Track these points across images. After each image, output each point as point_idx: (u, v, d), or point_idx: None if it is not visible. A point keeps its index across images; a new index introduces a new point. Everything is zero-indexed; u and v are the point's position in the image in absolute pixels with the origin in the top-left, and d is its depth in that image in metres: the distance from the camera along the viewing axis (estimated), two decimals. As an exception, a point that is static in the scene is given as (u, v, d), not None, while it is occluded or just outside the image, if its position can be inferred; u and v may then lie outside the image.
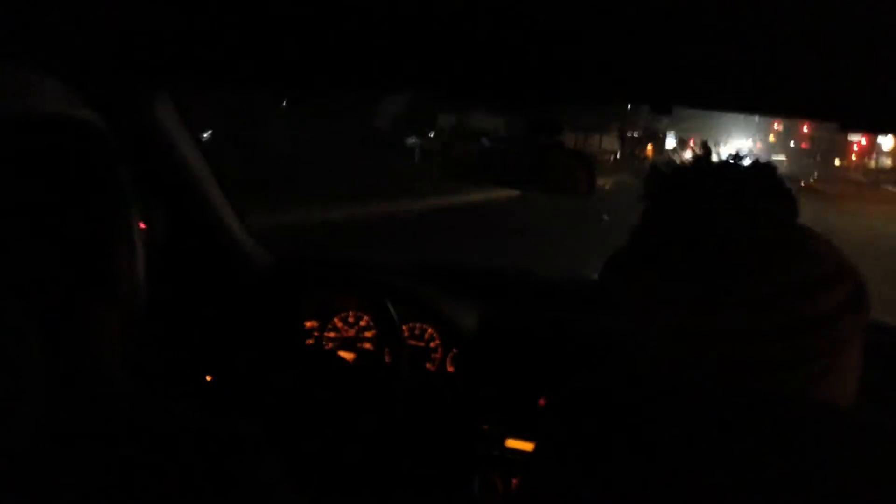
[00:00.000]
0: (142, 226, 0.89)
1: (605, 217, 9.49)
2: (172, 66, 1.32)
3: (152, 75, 1.52)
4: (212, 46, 1.07)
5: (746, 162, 0.76)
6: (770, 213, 0.72)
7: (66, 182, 0.78)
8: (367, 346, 1.99)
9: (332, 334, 2.03)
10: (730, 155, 0.77)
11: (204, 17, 0.89)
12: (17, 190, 0.75)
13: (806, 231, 0.74)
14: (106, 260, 0.80)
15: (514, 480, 1.76)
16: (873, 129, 1.20)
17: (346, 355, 1.98)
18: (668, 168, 0.77)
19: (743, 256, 0.69)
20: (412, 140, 18.58)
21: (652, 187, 0.77)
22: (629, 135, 32.89)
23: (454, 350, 1.93)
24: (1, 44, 1.20)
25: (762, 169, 0.75)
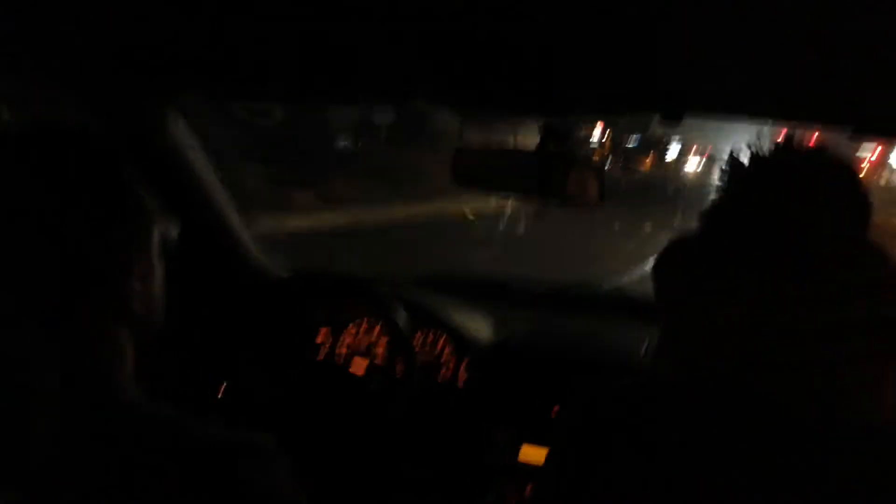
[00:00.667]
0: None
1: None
2: (179, 73, 1.32)
3: (160, 84, 1.53)
4: (218, 52, 1.08)
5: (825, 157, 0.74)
6: (845, 211, 0.71)
7: (72, 193, 0.78)
8: (379, 356, 1.99)
9: (342, 347, 2.03)
10: (811, 148, 0.75)
11: (210, 23, 0.89)
12: (26, 199, 0.75)
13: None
14: (118, 276, 0.81)
15: (528, 489, 1.76)
16: (888, 134, 1.19)
17: (358, 365, 1.98)
18: (746, 157, 0.75)
19: (812, 251, 0.68)
20: (343, 143, 17.80)
21: (729, 176, 0.76)
22: (624, 144, 28.52)
23: (466, 359, 1.93)
24: (9, 54, 1.22)
25: (842, 166, 0.74)
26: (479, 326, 1.99)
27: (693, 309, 0.75)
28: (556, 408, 1.78)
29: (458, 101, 1.41)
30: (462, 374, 1.92)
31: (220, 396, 1.85)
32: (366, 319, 2.02)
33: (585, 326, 1.99)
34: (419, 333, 1.97)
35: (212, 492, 0.71)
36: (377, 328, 2.00)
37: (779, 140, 0.76)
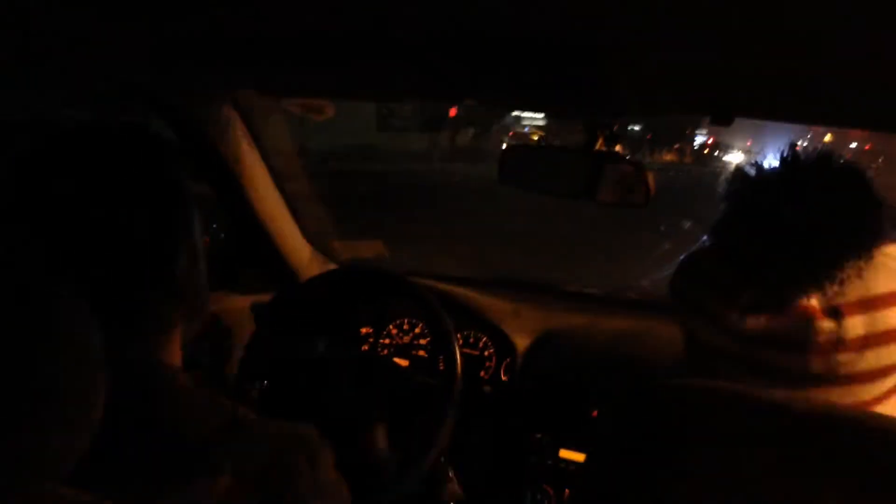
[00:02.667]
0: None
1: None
2: (237, 72, 1.35)
3: (216, 81, 1.55)
4: (274, 54, 1.09)
5: (836, 163, 0.74)
6: (856, 221, 0.70)
7: (131, 187, 0.81)
8: (422, 353, 2.00)
9: (386, 341, 2.05)
10: (820, 154, 0.75)
11: (266, 25, 0.91)
12: (86, 194, 0.78)
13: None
14: (169, 262, 0.83)
15: (567, 491, 1.75)
16: None
17: (401, 362, 2.00)
18: (753, 168, 0.76)
19: (825, 264, 0.68)
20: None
21: (736, 188, 0.76)
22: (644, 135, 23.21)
23: (508, 359, 1.93)
24: (67, 53, 1.25)
25: (851, 174, 0.73)
26: (521, 327, 1.99)
27: (712, 321, 0.75)
28: (596, 411, 1.78)
29: (508, 100, 1.42)
30: (502, 374, 1.93)
31: (264, 388, 1.88)
32: (409, 316, 2.03)
33: (627, 328, 1.97)
34: (461, 334, 1.98)
35: (260, 480, 0.72)
36: (420, 325, 2.01)
37: (783, 150, 0.76)
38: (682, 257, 0.84)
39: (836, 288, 0.68)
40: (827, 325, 0.68)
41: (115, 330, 0.76)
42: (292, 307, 2.02)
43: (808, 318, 0.68)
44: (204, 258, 0.91)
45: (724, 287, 0.74)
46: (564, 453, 1.78)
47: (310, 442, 0.80)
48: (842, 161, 0.74)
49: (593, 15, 0.73)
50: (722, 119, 1.17)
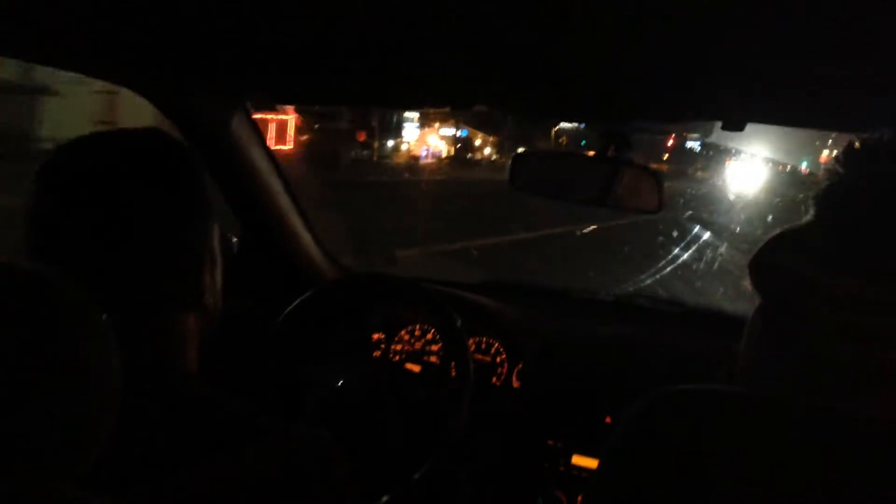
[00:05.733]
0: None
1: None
2: (249, 79, 1.35)
3: (231, 90, 1.56)
4: (287, 61, 1.10)
5: None
6: None
7: (153, 193, 0.81)
8: (433, 359, 2.00)
9: (398, 347, 2.05)
10: None
11: (279, 32, 0.92)
12: (107, 200, 0.79)
13: None
14: (192, 269, 0.83)
15: (579, 497, 1.74)
16: None
17: (413, 368, 1.99)
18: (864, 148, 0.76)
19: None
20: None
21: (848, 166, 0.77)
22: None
23: (520, 365, 1.93)
24: (86, 61, 1.26)
25: None
26: (532, 333, 1.98)
27: (803, 287, 0.73)
28: (609, 416, 1.77)
29: (518, 106, 1.42)
30: (514, 380, 1.92)
31: (276, 393, 1.88)
32: (421, 322, 2.03)
33: (639, 334, 1.97)
34: (473, 340, 1.97)
35: (272, 483, 0.73)
36: (432, 331, 2.01)
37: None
38: (773, 234, 0.83)
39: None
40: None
41: (133, 335, 0.77)
42: (305, 312, 2.02)
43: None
44: (221, 265, 0.91)
45: (827, 255, 0.72)
46: (577, 459, 1.77)
47: (322, 445, 0.80)
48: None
49: (605, 23, 0.73)
50: (733, 125, 1.17)
